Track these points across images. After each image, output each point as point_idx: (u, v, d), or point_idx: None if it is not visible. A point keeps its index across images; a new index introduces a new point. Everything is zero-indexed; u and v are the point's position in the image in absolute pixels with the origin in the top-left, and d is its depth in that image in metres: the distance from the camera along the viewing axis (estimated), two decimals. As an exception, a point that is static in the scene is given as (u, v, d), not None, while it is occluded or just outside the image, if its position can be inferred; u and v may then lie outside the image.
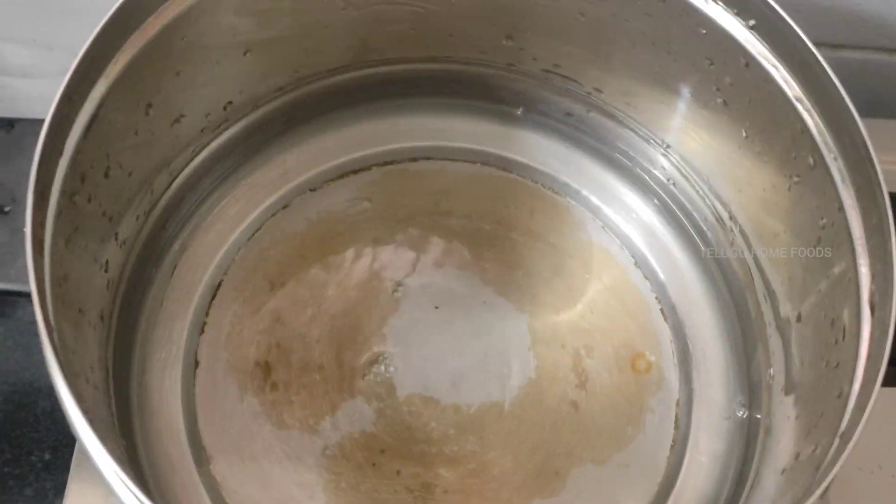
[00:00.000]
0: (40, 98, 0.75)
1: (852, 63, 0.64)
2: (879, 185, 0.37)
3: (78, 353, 0.37)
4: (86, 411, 0.31)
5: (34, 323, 0.66)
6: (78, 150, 0.37)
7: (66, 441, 0.69)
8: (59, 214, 0.36)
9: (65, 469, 0.67)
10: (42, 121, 0.37)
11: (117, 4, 0.38)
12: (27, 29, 0.68)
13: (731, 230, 0.50)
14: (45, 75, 0.72)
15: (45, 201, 0.35)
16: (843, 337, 0.39)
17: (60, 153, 0.36)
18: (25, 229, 0.34)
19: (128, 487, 0.31)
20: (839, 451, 0.34)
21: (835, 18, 0.61)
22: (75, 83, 0.36)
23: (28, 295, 0.35)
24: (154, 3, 0.40)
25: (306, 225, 0.53)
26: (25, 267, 0.34)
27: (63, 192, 0.36)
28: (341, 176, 0.55)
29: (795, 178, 0.43)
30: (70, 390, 0.31)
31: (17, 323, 0.71)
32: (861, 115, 0.55)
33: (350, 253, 0.52)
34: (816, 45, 0.62)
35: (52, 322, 0.33)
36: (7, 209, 0.37)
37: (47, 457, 0.68)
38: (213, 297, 0.51)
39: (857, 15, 0.60)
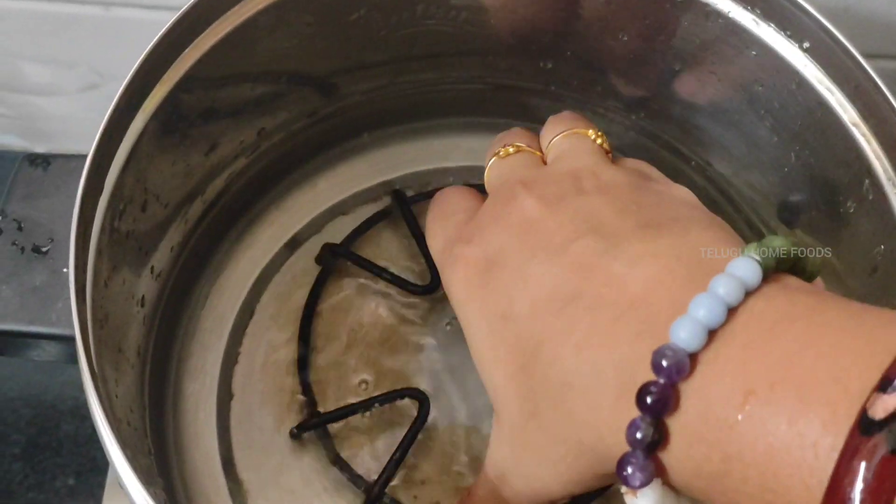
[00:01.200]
0: (62, 116, 0.74)
1: (890, 72, 0.63)
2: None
3: (120, 397, 0.36)
4: (132, 464, 0.30)
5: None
6: (117, 187, 0.36)
7: (90, 466, 0.68)
8: (99, 254, 0.35)
9: (89, 495, 0.67)
10: (78, 157, 0.36)
11: (157, 38, 0.37)
12: (48, 47, 0.67)
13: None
14: (65, 93, 0.72)
15: (87, 242, 0.34)
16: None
17: (100, 191, 0.35)
18: (67, 270, 0.33)
19: None
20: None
21: (873, 28, 0.59)
22: (115, 119, 0.35)
23: (69, 338, 0.34)
24: (193, 33, 0.39)
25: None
26: (65, 309, 0.33)
27: (103, 230, 0.35)
28: (375, 199, 0.54)
29: (850, 204, 0.42)
30: (117, 441, 0.30)
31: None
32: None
33: (382, 261, 0.51)
34: (881, 56, 0.61)
35: (97, 369, 0.32)
36: (45, 249, 0.36)
37: (71, 482, 0.68)
38: (246, 327, 0.50)
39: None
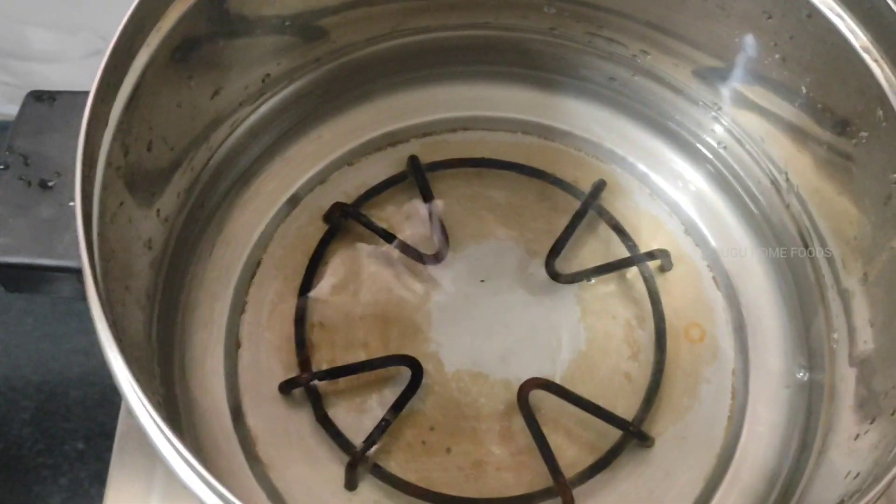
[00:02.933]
0: (66, 82, 0.74)
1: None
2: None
3: (127, 332, 0.36)
4: (144, 389, 0.30)
5: (61, 308, 0.65)
6: (122, 122, 0.36)
7: (99, 431, 0.68)
8: (104, 188, 0.35)
9: (98, 459, 0.67)
10: (84, 93, 0.35)
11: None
12: (51, 13, 0.67)
13: (788, 192, 0.48)
14: (69, 59, 0.71)
15: (92, 175, 0.34)
16: (922, 295, 0.37)
17: (105, 124, 0.35)
18: (72, 204, 0.33)
19: (173, 446, 0.30)
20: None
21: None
22: (119, 52, 0.35)
23: (75, 270, 0.34)
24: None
25: (346, 199, 0.51)
26: (72, 242, 0.33)
27: (108, 165, 0.35)
28: (379, 149, 0.53)
29: (863, 134, 0.41)
30: (122, 357, 0.30)
31: (43, 313, 0.70)
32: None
33: (392, 227, 0.51)
34: None
35: (105, 296, 0.32)
36: (51, 183, 0.36)
37: (80, 446, 0.68)
38: (253, 276, 0.49)
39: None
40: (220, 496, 0.31)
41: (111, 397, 0.68)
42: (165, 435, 0.31)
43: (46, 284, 0.36)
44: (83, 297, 0.32)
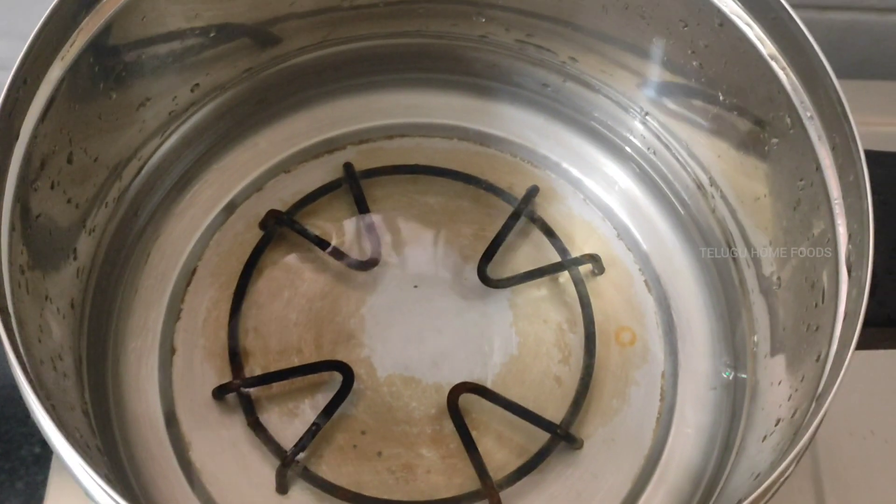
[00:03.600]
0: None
1: (841, 24, 0.63)
2: (855, 140, 0.36)
3: (43, 341, 0.36)
4: (43, 392, 0.30)
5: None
6: (35, 135, 0.37)
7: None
8: (16, 201, 0.35)
9: (54, 462, 0.67)
10: (0, 106, 0.36)
11: (68, -17, 0.37)
12: (4, 20, 0.67)
13: (712, 196, 0.49)
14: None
15: (2, 184, 0.34)
16: (823, 300, 0.38)
17: (16, 137, 0.36)
18: (-19, 216, 0.33)
19: (93, 479, 0.30)
20: (814, 414, 0.33)
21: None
22: (29, 65, 0.36)
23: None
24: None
25: (282, 207, 0.52)
26: (-16, 257, 0.34)
27: (20, 179, 0.36)
28: (316, 156, 0.54)
29: (774, 140, 0.42)
30: (22, 371, 0.30)
31: None
32: (851, 76, 0.54)
33: (326, 234, 0.51)
34: (804, 7, 0.62)
35: (9, 307, 0.32)
36: (-36, 195, 0.36)
37: (37, 450, 0.68)
38: (188, 283, 0.50)
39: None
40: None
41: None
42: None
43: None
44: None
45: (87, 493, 0.32)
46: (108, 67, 0.41)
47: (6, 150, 0.35)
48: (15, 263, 0.35)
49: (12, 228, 0.35)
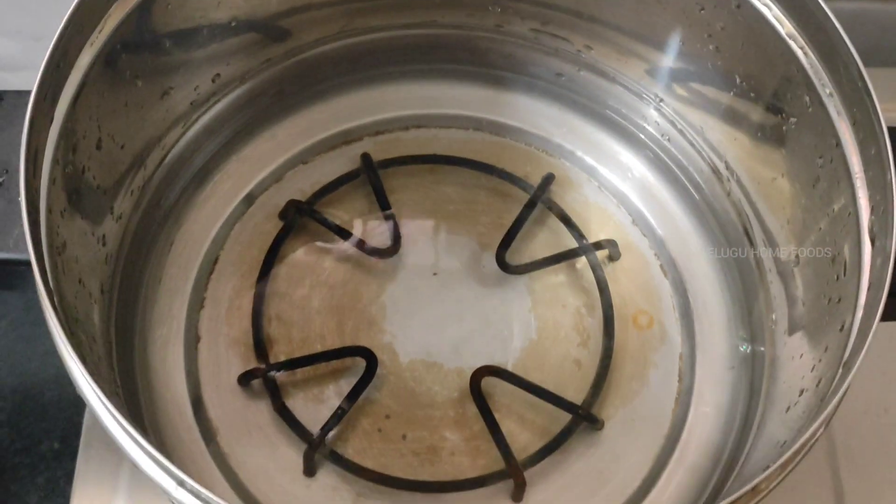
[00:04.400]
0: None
1: (848, 13, 0.64)
2: (877, 115, 0.37)
3: (80, 323, 0.37)
4: (91, 371, 0.31)
5: (35, 311, 0.67)
6: (68, 119, 0.37)
7: (75, 430, 0.69)
8: (52, 182, 0.36)
9: (74, 457, 0.67)
10: (29, 92, 0.37)
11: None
12: (13, 20, 0.68)
13: (728, 180, 0.50)
14: (34, 67, 0.72)
15: (38, 169, 0.35)
16: (844, 272, 0.39)
17: (51, 121, 0.36)
18: (20, 198, 0.34)
19: (133, 439, 0.31)
20: (842, 380, 0.33)
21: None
22: (60, 50, 0.36)
23: (25, 262, 0.35)
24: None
25: (301, 197, 0.52)
26: (23, 236, 0.34)
27: (55, 161, 0.36)
28: (333, 147, 0.55)
29: (792, 119, 0.43)
30: (73, 348, 0.31)
31: (17, 316, 0.71)
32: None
33: (346, 223, 0.52)
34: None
35: (52, 285, 0.33)
36: (1, 180, 0.37)
37: (57, 446, 0.68)
38: (211, 272, 0.50)
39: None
40: (182, 483, 0.32)
41: (84, 399, 0.68)
42: (123, 427, 0.32)
43: (5, 277, 0.37)
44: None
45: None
46: (135, 55, 0.42)
47: (43, 132, 0.35)
48: (53, 245, 0.35)
49: (49, 211, 0.35)
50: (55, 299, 0.32)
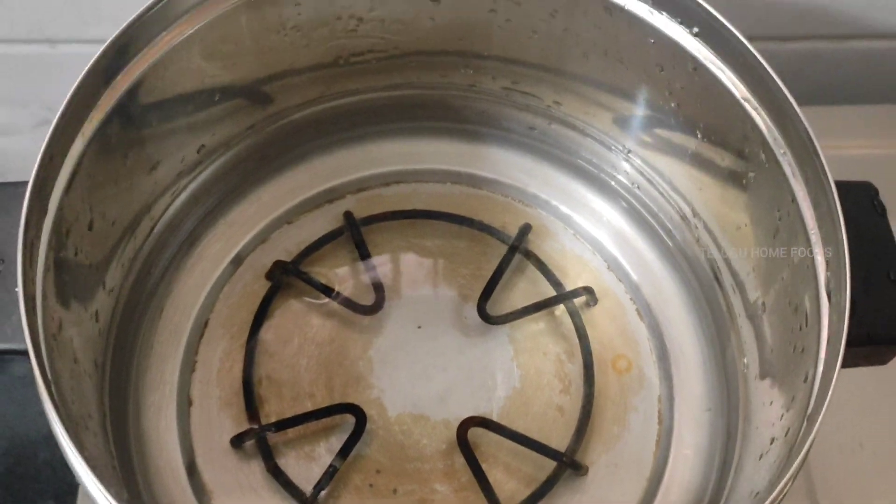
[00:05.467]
0: (18, 154, 0.76)
1: (802, 53, 0.67)
2: (826, 175, 0.39)
3: (77, 403, 0.38)
4: (88, 459, 0.32)
5: (25, 377, 0.68)
6: (61, 207, 0.39)
7: (68, 489, 0.70)
8: (47, 271, 0.37)
9: (68, 517, 0.69)
10: (23, 183, 0.38)
11: (89, 65, 0.39)
12: (2, 88, 0.69)
13: (696, 227, 0.52)
14: (21, 132, 0.74)
15: (34, 260, 0.36)
16: (806, 323, 0.40)
17: (45, 212, 0.38)
18: (17, 289, 0.35)
19: None
20: (807, 433, 0.35)
21: (781, 12, 0.63)
22: (55, 143, 0.38)
23: (23, 352, 0.36)
24: (124, 60, 0.41)
25: (287, 257, 0.54)
26: (20, 324, 0.36)
27: (50, 249, 0.38)
28: (317, 206, 0.56)
29: (751, 174, 0.45)
30: (73, 442, 0.32)
31: (9, 379, 0.72)
32: (814, 102, 0.57)
33: (331, 281, 0.54)
34: (767, 38, 0.65)
35: (49, 375, 0.34)
36: (-1, 269, 0.38)
37: (50, 504, 0.70)
38: (201, 336, 0.52)
39: (801, 7, 0.63)
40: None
41: (77, 457, 0.70)
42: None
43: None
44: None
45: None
46: (123, 135, 0.43)
47: (38, 224, 0.37)
48: (49, 331, 0.37)
49: (45, 298, 0.37)
50: (52, 389, 0.34)
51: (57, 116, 0.38)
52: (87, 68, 0.39)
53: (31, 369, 0.35)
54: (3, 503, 0.67)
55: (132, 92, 0.42)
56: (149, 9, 0.40)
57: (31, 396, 0.70)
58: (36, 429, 0.71)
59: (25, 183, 0.38)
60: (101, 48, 0.62)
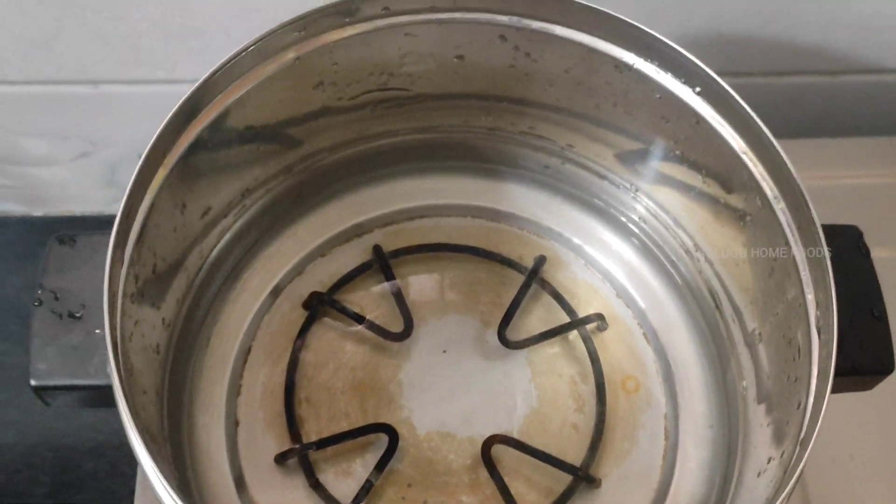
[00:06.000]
0: (58, 184, 0.81)
1: (798, 86, 0.72)
2: (815, 224, 0.43)
3: (147, 431, 0.43)
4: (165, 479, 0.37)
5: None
6: (133, 256, 0.43)
7: (111, 498, 0.75)
8: (123, 315, 0.42)
9: (114, 523, 0.73)
10: (99, 233, 0.43)
11: (157, 133, 0.44)
12: (44, 124, 0.74)
13: (699, 260, 0.56)
14: (61, 162, 0.79)
15: (114, 307, 0.41)
16: (799, 355, 0.45)
17: (122, 263, 0.42)
18: (99, 331, 0.40)
19: None
20: (799, 458, 0.40)
21: (778, 49, 0.68)
22: (130, 204, 0.42)
23: (105, 387, 0.41)
24: (183, 122, 0.46)
25: (321, 288, 0.59)
26: (100, 363, 0.40)
27: (125, 295, 0.42)
28: (348, 240, 0.61)
29: (748, 217, 0.49)
30: (155, 464, 0.37)
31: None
32: (809, 134, 0.62)
33: (362, 309, 0.58)
34: (767, 74, 0.70)
35: (130, 410, 0.39)
36: (79, 314, 0.43)
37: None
38: (245, 362, 0.56)
39: (797, 44, 0.67)
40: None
41: (121, 467, 0.74)
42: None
43: (79, 400, 0.43)
44: (98, 404, 0.40)
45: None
46: (184, 187, 0.48)
47: (116, 275, 0.42)
48: (126, 370, 0.41)
49: (122, 340, 0.41)
50: (135, 421, 0.38)
51: (132, 180, 0.42)
52: (156, 135, 0.44)
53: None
54: (52, 512, 0.72)
55: (192, 147, 0.47)
56: (213, 73, 0.45)
57: (74, 411, 0.75)
58: (80, 441, 0.75)
59: (99, 234, 0.43)
60: (141, 88, 0.68)
